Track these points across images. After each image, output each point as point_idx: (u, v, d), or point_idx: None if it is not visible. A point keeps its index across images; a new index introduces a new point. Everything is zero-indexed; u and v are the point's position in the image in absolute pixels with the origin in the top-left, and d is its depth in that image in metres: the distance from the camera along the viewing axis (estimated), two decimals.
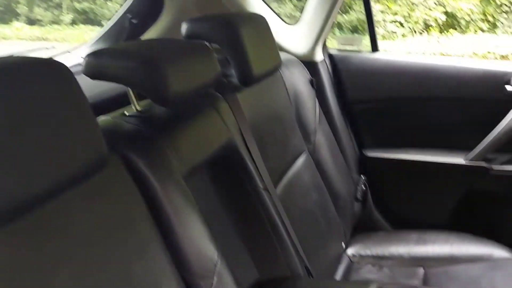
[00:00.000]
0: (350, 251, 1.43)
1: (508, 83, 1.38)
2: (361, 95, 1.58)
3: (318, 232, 1.24)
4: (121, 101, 0.86)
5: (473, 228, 1.45)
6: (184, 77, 0.77)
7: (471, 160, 1.44)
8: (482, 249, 1.30)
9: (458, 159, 1.47)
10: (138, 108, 0.84)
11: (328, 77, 1.53)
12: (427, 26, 4.02)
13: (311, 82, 1.43)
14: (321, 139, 1.37)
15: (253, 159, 0.97)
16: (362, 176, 1.59)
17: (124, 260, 0.64)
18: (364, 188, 1.57)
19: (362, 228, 1.53)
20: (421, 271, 1.31)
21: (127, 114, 0.83)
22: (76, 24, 3.39)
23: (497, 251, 1.28)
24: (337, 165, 1.42)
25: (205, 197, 0.94)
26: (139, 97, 0.85)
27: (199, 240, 0.76)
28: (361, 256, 1.41)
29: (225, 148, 0.93)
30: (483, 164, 1.42)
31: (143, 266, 0.67)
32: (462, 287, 1.15)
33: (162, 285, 0.68)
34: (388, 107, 1.56)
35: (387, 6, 3.95)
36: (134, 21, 1.31)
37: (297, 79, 1.36)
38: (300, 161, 1.27)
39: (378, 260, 1.39)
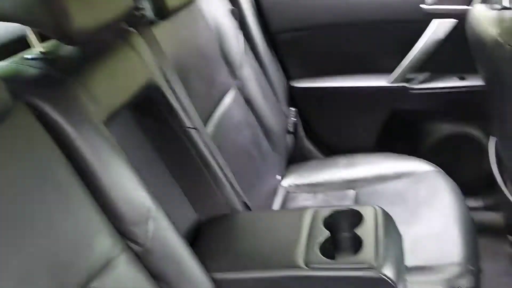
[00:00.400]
0: (285, 182, 1.46)
1: (423, 2, 1.40)
2: (284, 23, 1.54)
3: (253, 167, 1.24)
4: (22, 44, 0.76)
5: (397, 147, 1.53)
6: (90, 9, 0.69)
7: (393, 82, 1.48)
8: (406, 165, 1.38)
9: (381, 82, 1.51)
10: (42, 49, 0.74)
11: (249, 7, 1.47)
12: None
13: (233, 13, 1.36)
14: (248, 73, 1.34)
15: (178, 98, 0.92)
16: (292, 108, 1.59)
17: (47, 217, 0.59)
18: (294, 119, 1.58)
19: (295, 159, 1.56)
20: (352, 192, 1.37)
21: (29, 57, 0.73)
22: None
23: (419, 166, 1.36)
24: (266, 99, 1.40)
25: (132, 142, 0.88)
26: (42, 38, 0.75)
27: (128, 187, 0.71)
28: (297, 186, 1.45)
29: (147, 88, 0.87)
30: (404, 84, 1.47)
31: (69, 220, 0.62)
32: (389, 202, 1.22)
33: (94, 237, 0.64)
34: (311, 34, 1.54)
35: None
36: None
37: (217, 10, 1.28)
38: (229, 97, 1.23)
39: (313, 187, 1.43)
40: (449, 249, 1.06)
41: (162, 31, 0.99)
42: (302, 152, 1.64)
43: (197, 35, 1.16)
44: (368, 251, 0.77)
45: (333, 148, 1.62)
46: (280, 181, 1.45)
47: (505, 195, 1.12)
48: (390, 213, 0.90)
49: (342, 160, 1.49)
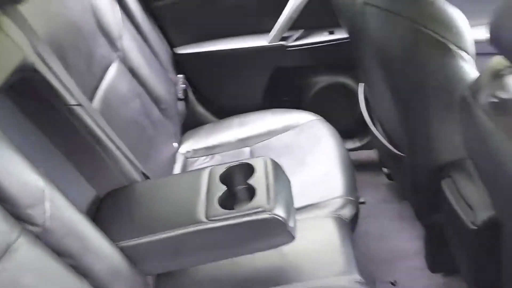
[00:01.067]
0: (183, 149, 1.50)
1: None
2: None
3: (146, 137, 1.25)
4: None
5: (283, 101, 1.65)
6: None
7: (272, 41, 1.57)
8: (292, 118, 1.50)
9: (261, 42, 1.59)
10: None
11: None
12: None
13: None
14: (129, 43, 1.32)
15: (56, 76, 0.89)
16: (179, 75, 1.61)
17: None
18: (183, 86, 1.60)
19: (190, 125, 1.60)
20: (247, 149, 1.46)
21: None
22: None
23: (303, 117, 1.49)
24: (151, 68, 1.40)
25: (15, 126, 0.84)
26: None
27: (17, 171, 0.70)
28: (194, 151, 1.50)
29: (22, 70, 0.83)
30: (281, 43, 1.57)
31: None
32: (278, 154, 1.33)
33: None
34: (187, 0, 1.56)
35: None
36: None
37: None
38: (112, 71, 1.21)
39: (210, 150, 1.49)
40: (332, 186, 1.21)
41: (30, 8, 0.94)
42: (196, 118, 1.69)
43: (69, 9, 1.11)
44: (260, 197, 0.85)
45: (226, 109, 1.69)
46: (177, 148, 1.48)
47: (375, 134, 1.28)
48: (282, 163, 0.99)
49: (235, 120, 1.57)
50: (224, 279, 0.97)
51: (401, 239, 1.47)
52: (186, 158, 1.48)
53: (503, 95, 0.57)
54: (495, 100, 0.58)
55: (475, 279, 0.93)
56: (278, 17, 1.54)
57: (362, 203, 1.60)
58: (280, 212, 0.83)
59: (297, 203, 1.15)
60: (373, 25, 0.95)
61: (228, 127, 1.55)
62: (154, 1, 1.54)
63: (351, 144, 1.72)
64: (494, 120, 0.58)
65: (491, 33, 0.60)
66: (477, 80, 0.66)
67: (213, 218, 0.84)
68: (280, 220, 0.82)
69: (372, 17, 0.94)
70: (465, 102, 0.65)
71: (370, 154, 1.69)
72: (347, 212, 1.14)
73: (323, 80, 1.68)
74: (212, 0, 1.56)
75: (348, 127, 1.62)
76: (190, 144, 1.52)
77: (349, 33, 1.20)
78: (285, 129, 1.47)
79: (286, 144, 1.42)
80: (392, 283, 1.35)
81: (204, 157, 1.48)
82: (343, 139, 1.43)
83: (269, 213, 0.82)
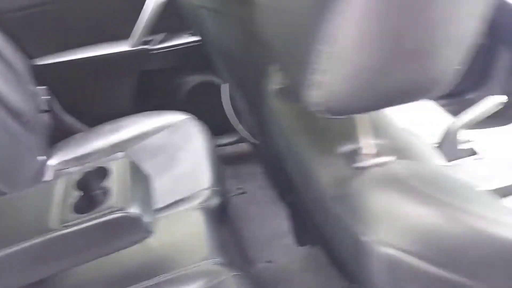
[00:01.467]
0: (53, 161, 1.46)
1: None
2: (10, 2, 1.47)
3: (5, 153, 1.21)
4: None
5: (155, 104, 1.68)
6: None
7: (134, 46, 1.59)
8: (164, 119, 1.53)
9: (123, 48, 1.60)
10: None
11: None
12: None
13: None
14: None
15: None
16: (42, 86, 1.56)
17: None
18: (47, 97, 1.56)
19: (61, 137, 1.56)
20: (121, 154, 1.47)
21: None
22: None
23: (175, 117, 1.54)
24: (7, 82, 1.35)
25: None
26: None
27: None
28: (65, 162, 1.47)
29: None
30: (144, 47, 1.60)
31: None
32: (152, 154, 1.37)
33: None
34: (42, 11, 1.52)
35: None
36: None
37: None
38: None
39: (82, 159, 1.47)
40: (200, 180, 1.27)
41: None
42: (66, 128, 1.65)
43: None
44: (113, 197, 0.88)
45: (97, 117, 1.67)
46: (44, 161, 1.44)
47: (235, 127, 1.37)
48: (154, 164, 1.02)
49: (106, 127, 1.56)
50: (93, 281, 0.98)
51: (277, 221, 1.59)
52: (56, 170, 1.45)
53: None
54: (281, 86, 0.67)
55: (322, 245, 1.06)
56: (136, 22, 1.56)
57: (243, 193, 1.70)
58: (132, 209, 0.86)
59: (168, 200, 1.20)
60: (211, 27, 1.02)
61: (100, 134, 1.55)
62: (5, 13, 1.48)
63: (226, 139, 1.80)
64: (280, 104, 0.67)
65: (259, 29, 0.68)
66: (269, 69, 0.76)
67: (66, 224, 0.85)
68: (132, 217, 0.86)
69: (209, 19, 1.01)
70: (260, 90, 0.73)
71: (245, 146, 1.79)
72: (214, 202, 1.21)
73: (191, 80, 1.74)
74: (66, 11, 1.53)
75: (221, 122, 1.70)
76: (61, 156, 1.49)
77: (198, 35, 1.27)
78: (158, 130, 1.50)
79: (159, 144, 1.46)
80: (268, 262, 1.46)
81: (76, 167, 1.46)
82: (218, 135, 1.50)
83: (121, 211, 0.85)
